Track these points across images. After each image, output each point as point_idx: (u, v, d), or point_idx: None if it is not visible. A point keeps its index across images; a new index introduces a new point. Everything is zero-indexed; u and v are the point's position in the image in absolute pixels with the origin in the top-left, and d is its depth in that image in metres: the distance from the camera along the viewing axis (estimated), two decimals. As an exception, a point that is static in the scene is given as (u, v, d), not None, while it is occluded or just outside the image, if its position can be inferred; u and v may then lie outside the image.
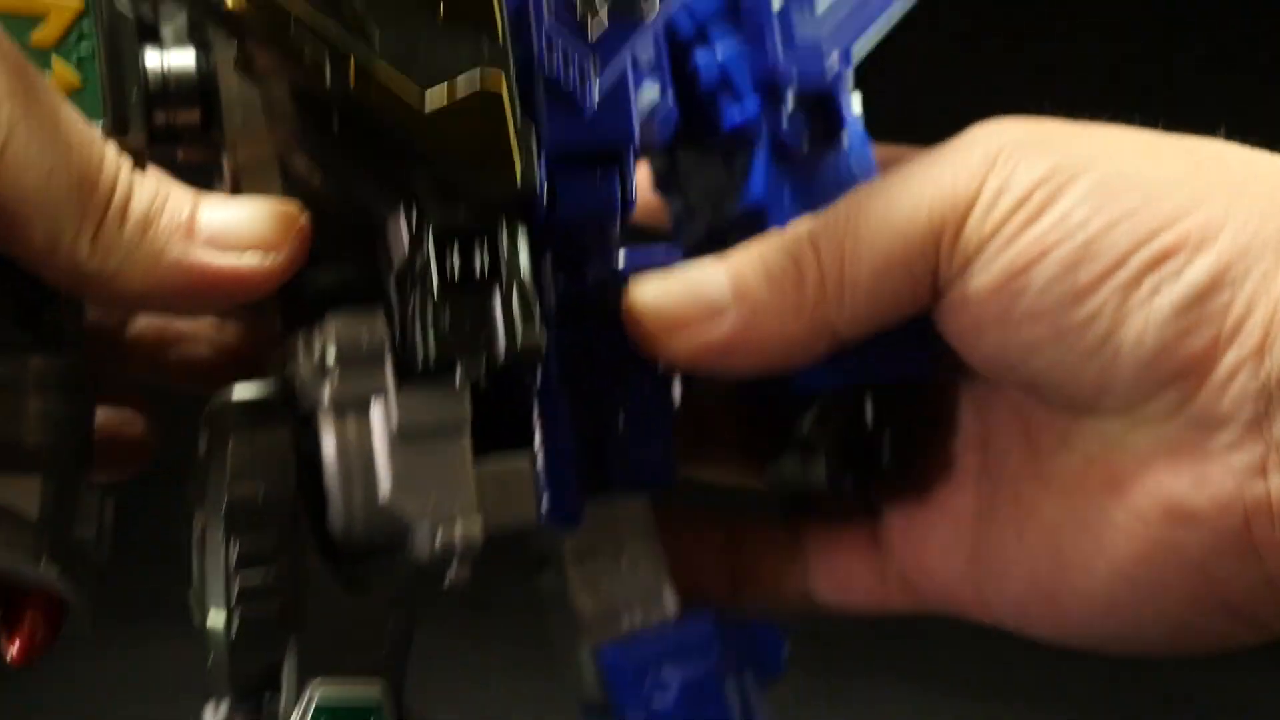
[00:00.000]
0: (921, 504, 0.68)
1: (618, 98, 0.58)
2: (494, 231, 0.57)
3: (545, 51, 0.56)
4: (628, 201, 0.60)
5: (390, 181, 0.57)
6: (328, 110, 0.55)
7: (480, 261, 0.56)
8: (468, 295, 0.56)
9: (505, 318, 0.57)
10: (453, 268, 0.56)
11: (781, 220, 0.65)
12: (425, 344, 0.56)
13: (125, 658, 1.38)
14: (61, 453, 0.61)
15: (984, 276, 0.59)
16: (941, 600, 0.69)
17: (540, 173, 0.56)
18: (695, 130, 0.66)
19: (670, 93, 0.64)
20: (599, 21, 0.56)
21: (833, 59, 0.64)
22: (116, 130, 0.58)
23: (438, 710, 0.67)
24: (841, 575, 0.71)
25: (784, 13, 0.64)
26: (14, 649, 0.59)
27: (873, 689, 1.25)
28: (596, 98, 0.57)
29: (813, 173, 0.66)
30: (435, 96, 0.53)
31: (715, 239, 0.67)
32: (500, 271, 0.57)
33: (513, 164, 0.55)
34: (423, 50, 0.53)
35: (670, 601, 0.67)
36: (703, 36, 0.66)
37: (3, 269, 0.55)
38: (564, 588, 0.66)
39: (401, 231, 0.57)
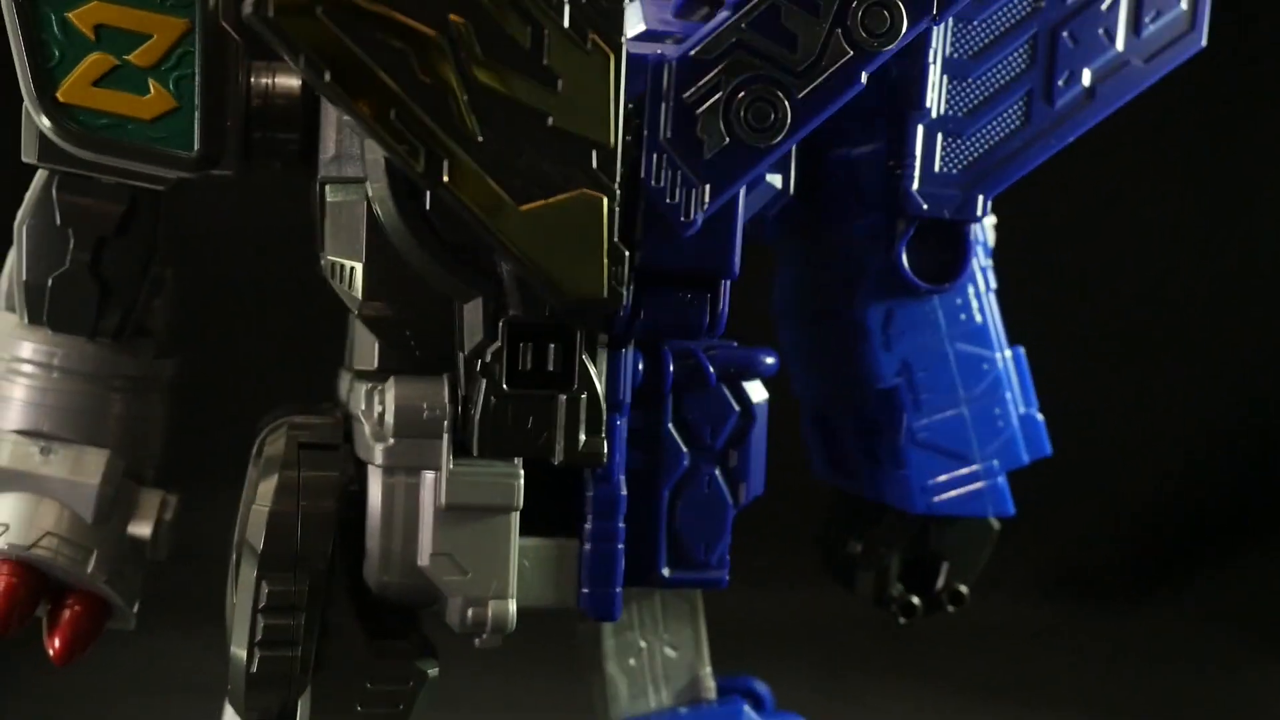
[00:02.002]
0: None
1: (723, 225, 0.55)
2: (571, 334, 0.55)
3: (654, 167, 0.53)
4: (716, 326, 0.57)
5: (476, 261, 0.55)
6: (419, 188, 0.53)
7: (553, 363, 0.55)
8: (535, 393, 0.55)
9: (569, 422, 0.55)
10: (525, 364, 0.55)
11: (883, 346, 0.63)
12: (485, 433, 0.55)
13: (126, 658, 1.34)
14: (132, 445, 0.62)
15: None
16: None
17: (629, 288, 0.54)
18: (810, 228, 0.62)
19: (794, 186, 0.61)
20: (718, 145, 0.53)
21: (976, 203, 0.61)
22: (205, 164, 0.56)
23: (438, 710, 0.68)
24: None
25: (930, 135, 0.60)
26: (55, 645, 0.61)
27: (874, 687, 1.24)
28: (700, 222, 0.54)
29: (924, 307, 0.63)
30: (538, 213, 0.51)
31: (817, 338, 0.65)
32: (572, 375, 0.55)
33: (601, 273, 0.52)
34: (526, 157, 0.51)
35: (707, 687, 0.66)
36: (842, 132, 0.62)
37: None
38: (599, 652, 0.65)
39: (479, 315, 0.55)
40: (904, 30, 0.53)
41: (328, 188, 0.58)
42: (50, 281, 0.59)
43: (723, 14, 0.53)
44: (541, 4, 0.50)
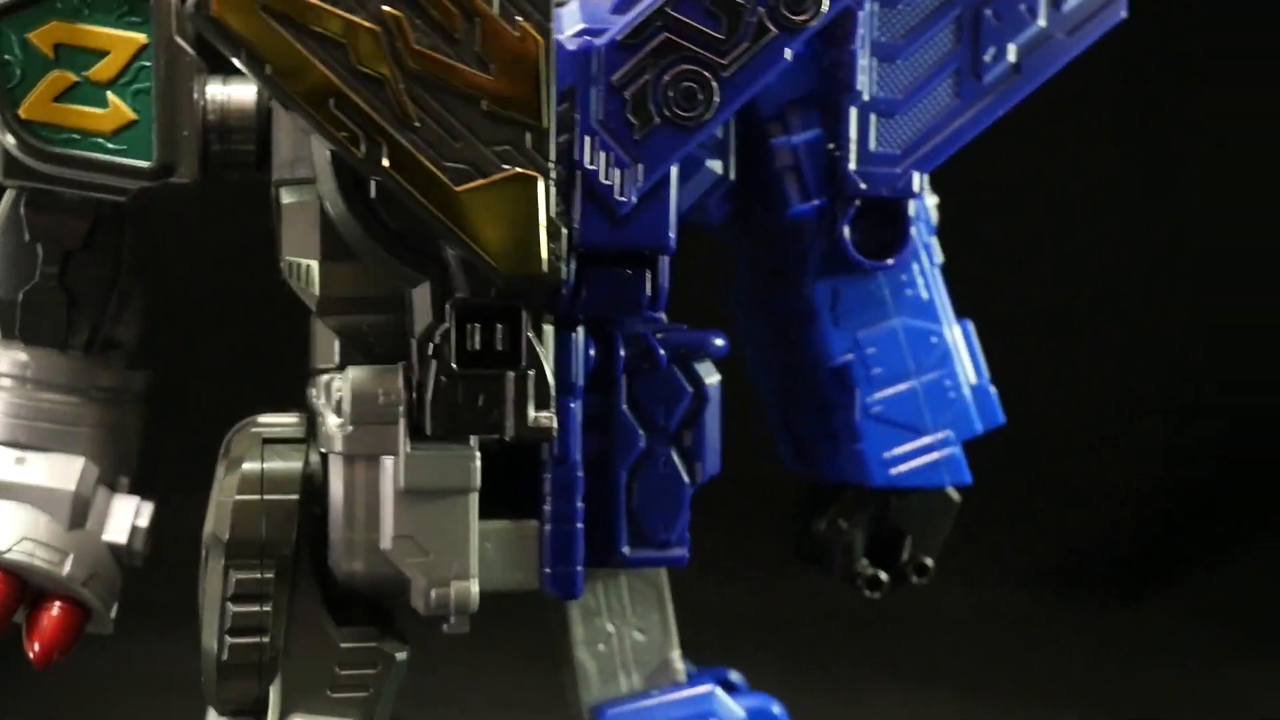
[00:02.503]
0: None
1: (658, 202, 0.57)
2: (517, 314, 0.57)
3: (586, 150, 0.55)
4: (657, 302, 0.59)
5: (420, 249, 0.57)
6: (362, 178, 0.55)
7: (500, 342, 0.57)
8: (485, 373, 0.57)
9: (519, 399, 0.57)
10: (473, 344, 0.57)
11: (831, 324, 0.65)
12: (437, 413, 0.57)
13: (124, 658, 1.32)
14: (105, 454, 0.64)
15: None
16: None
17: (569, 265, 0.56)
18: (754, 212, 0.65)
19: (734, 170, 0.63)
20: (648, 126, 0.55)
21: (913, 179, 0.63)
22: (162, 174, 0.59)
23: (436, 710, 0.69)
24: None
25: (864, 116, 0.63)
26: (35, 649, 0.62)
27: (862, 683, 1.25)
28: (635, 200, 0.56)
29: (869, 284, 0.65)
30: (475, 194, 0.53)
31: (771, 323, 0.67)
32: (519, 353, 0.57)
33: (539, 251, 0.54)
34: (461, 137, 0.53)
35: (677, 670, 0.67)
36: (781, 119, 0.64)
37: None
38: (568, 640, 0.67)
39: (426, 299, 0.57)
40: (825, 7, 0.56)
41: (282, 190, 0.61)
42: (20, 296, 0.62)
43: (638, 11, 0.56)
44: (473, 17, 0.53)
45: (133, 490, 0.66)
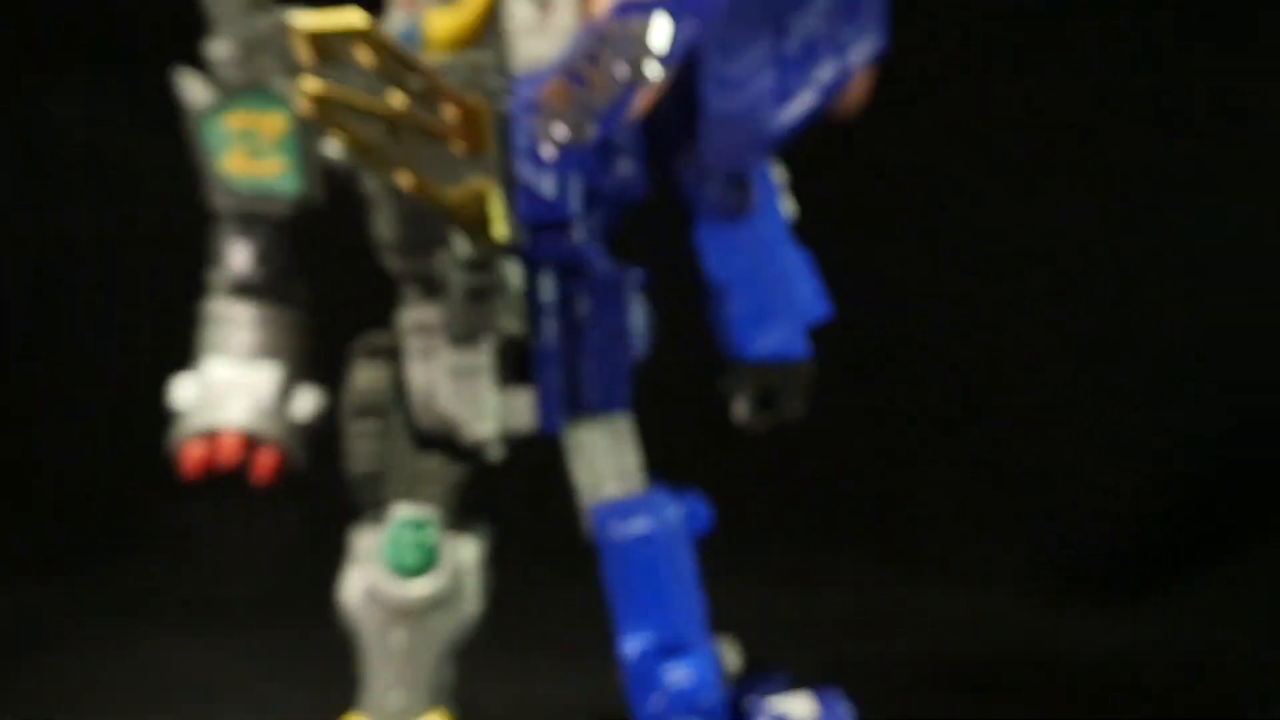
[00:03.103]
0: None
1: (566, 190, 0.96)
2: (495, 264, 0.98)
3: (521, 161, 0.95)
4: (580, 255, 0.98)
5: (439, 228, 0.99)
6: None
7: (487, 280, 0.98)
8: (483, 299, 0.98)
9: (504, 309, 0.98)
10: (473, 283, 0.98)
11: (711, 254, 1.03)
12: (459, 326, 0.99)
13: (128, 658, 1.42)
14: (292, 364, 1.09)
15: None
16: None
17: (521, 233, 0.97)
18: (659, 188, 1.04)
19: (642, 167, 1.02)
20: (550, 150, 0.95)
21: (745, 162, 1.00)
22: (305, 202, 1.02)
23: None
24: None
25: (709, 119, 1.00)
26: (257, 476, 1.07)
27: (861, 683, 1.13)
28: (552, 191, 0.96)
29: (734, 228, 1.03)
30: (454, 193, 0.94)
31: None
32: (502, 285, 0.98)
33: (500, 227, 0.95)
34: (446, 166, 0.94)
35: (642, 481, 1.07)
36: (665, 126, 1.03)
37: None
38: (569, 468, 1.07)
39: (443, 260, 0.99)
40: (656, 68, 0.94)
41: (369, 198, 1.03)
42: (236, 272, 1.07)
43: (549, 70, 0.95)
44: (442, 91, 0.93)
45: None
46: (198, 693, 1.32)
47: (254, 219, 1.05)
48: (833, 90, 0.99)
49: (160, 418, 1.08)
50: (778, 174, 1.05)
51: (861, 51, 0.99)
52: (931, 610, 1.59)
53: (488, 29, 0.97)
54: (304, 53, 0.89)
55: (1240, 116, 1.68)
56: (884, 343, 1.25)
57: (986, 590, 1.62)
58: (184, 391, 1.06)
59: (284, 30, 0.96)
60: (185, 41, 1.05)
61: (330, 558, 1.06)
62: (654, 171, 1.03)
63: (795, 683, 1.01)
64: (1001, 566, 1.65)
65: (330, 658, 1.17)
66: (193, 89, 1.01)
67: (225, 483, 1.03)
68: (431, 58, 0.96)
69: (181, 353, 1.09)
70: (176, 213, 1.18)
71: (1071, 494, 1.71)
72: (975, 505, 1.72)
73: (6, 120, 1.69)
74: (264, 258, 1.06)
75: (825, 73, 0.99)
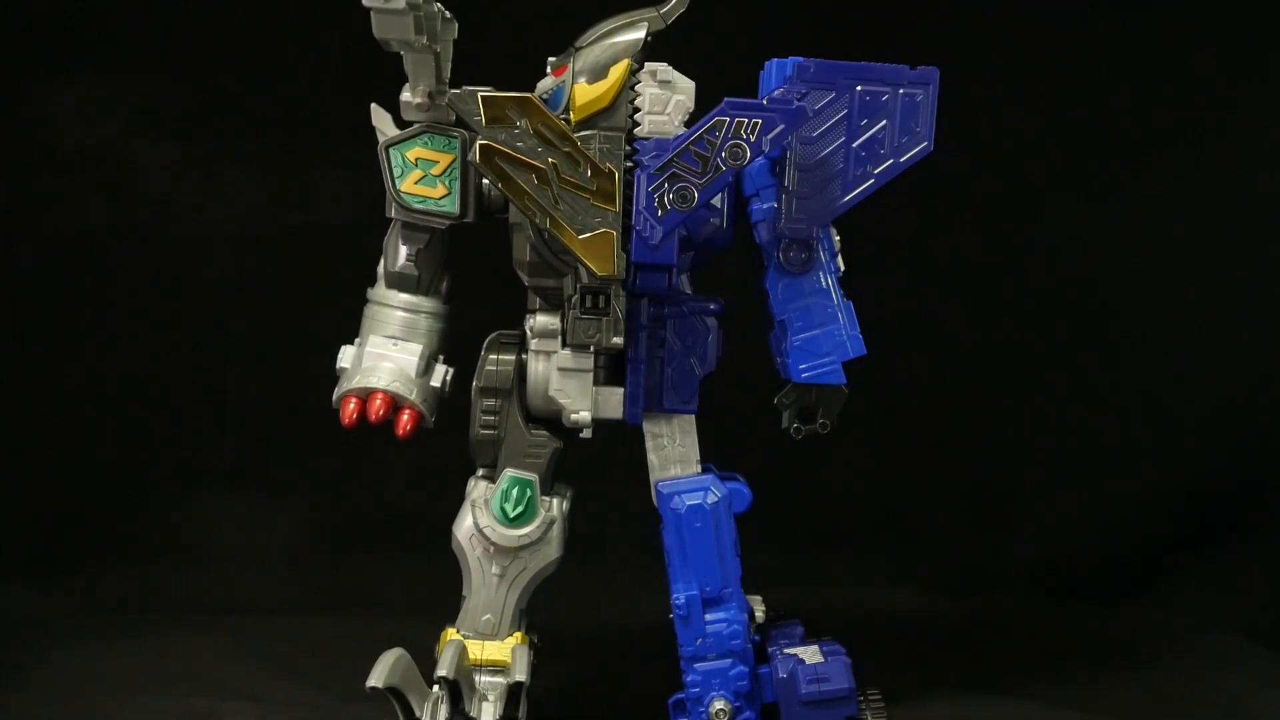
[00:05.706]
0: None
1: (670, 240, 1.22)
2: (608, 290, 1.24)
3: (638, 214, 1.22)
4: (672, 289, 1.24)
5: (566, 262, 1.26)
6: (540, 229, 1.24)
7: (600, 302, 1.25)
8: (596, 315, 1.25)
9: (607, 330, 1.25)
10: (589, 303, 1.25)
11: (777, 298, 1.29)
12: (574, 336, 1.25)
13: (129, 658, 1.39)
14: (431, 344, 1.36)
15: None
16: None
17: (631, 272, 1.23)
18: (741, 239, 1.30)
19: (729, 221, 1.29)
20: (661, 210, 1.21)
21: (813, 230, 1.26)
22: (462, 218, 1.29)
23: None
24: None
25: (789, 198, 1.26)
26: (402, 428, 1.34)
27: (860, 683, 1.23)
28: (658, 242, 1.22)
29: (797, 281, 1.29)
30: (586, 239, 1.21)
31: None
32: (609, 308, 1.25)
33: (616, 264, 1.21)
34: (581, 214, 1.20)
35: (698, 465, 1.34)
36: (755, 195, 1.29)
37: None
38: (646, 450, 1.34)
39: (569, 284, 1.26)
40: (747, 159, 1.20)
41: (513, 228, 1.30)
42: (398, 268, 1.34)
43: (674, 142, 1.21)
44: (583, 156, 1.19)
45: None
46: (198, 692, 1.32)
47: (418, 229, 1.32)
48: (885, 179, 1.26)
49: (160, 418, 1.16)
50: (834, 238, 1.31)
51: (913, 153, 1.25)
52: (931, 610, 1.65)
53: (621, 101, 1.23)
54: (480, 113, 1.16)
55: (1233, 122, 1.69)
56: (884, 342, 1.25)
57: (985, 590, 1.68)
58: (345, 357, 1.33)
59: (466, 95, 1.23)
60: (185, 41, 1.11)
61: (332, 558, 1.23)
62: (738, 227, 1.30)
63: (808, 635, 1.25)
64: (1000, 567, 1.70)
65: (330, 658, 1.42)
66: (385, 124, 1.28)
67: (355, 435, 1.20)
68: (576, 116, 1.21)
69: (184, 352, 1.12)
70: (176, 213, 1.28)
71: (1071, 494, 1.72)
72: (975, 505, 1.76)
73: (6, 120, 1.65)
74: (421, 259, 1.33)
75: (882, 167, 1.25)
